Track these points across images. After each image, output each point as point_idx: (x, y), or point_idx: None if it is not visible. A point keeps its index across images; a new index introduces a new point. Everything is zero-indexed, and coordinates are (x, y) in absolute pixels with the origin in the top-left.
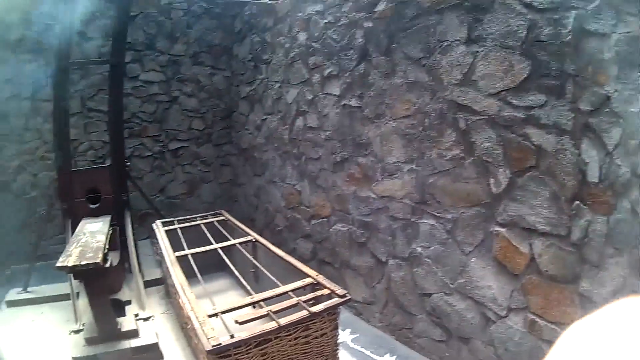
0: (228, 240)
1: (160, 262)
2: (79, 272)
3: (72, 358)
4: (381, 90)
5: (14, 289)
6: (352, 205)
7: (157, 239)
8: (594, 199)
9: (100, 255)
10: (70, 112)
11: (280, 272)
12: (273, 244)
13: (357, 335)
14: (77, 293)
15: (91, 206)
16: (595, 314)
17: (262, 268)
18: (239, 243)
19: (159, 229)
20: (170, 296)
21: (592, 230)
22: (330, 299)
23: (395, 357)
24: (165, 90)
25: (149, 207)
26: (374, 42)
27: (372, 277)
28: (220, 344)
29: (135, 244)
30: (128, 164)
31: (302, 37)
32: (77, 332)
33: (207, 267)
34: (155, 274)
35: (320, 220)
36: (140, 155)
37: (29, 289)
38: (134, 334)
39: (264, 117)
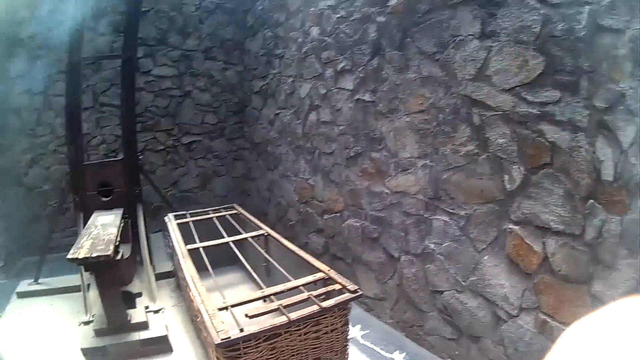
0: (240, 233)
1: (172, 255)
2: (90, 264)
3: (81, 349)
4: (394, 85)
5: (25, 281)
6: (365, 200)
7: (169, 232)
8: (608, 198)
9: (112, 247)
10: (83, 107)
11: (292, 266)
12: (285, 238)
13: (368, 331)
14: (88, 285)
15: (103, 199)
16: (595, 313)
17: (273, 262)
18: (251, 237)
19: (171, 222)
20: (181, 289)
21: (606, 230)
22: (341, 294)
23: (404, 354)
24: (178, 84)
25: (162, 201)
26: (387, 37)
27: (384, 273)
28: (229, 337)
29: (147, 237)
30: (140, 157)
31: (314, 31)
32: (86, 323)
33: (219, 260)
34: (166, 266)
35: (333, 215)
36: (153, 149)
37: (40, 280)
38: (143, 326)
39: (277, 111)
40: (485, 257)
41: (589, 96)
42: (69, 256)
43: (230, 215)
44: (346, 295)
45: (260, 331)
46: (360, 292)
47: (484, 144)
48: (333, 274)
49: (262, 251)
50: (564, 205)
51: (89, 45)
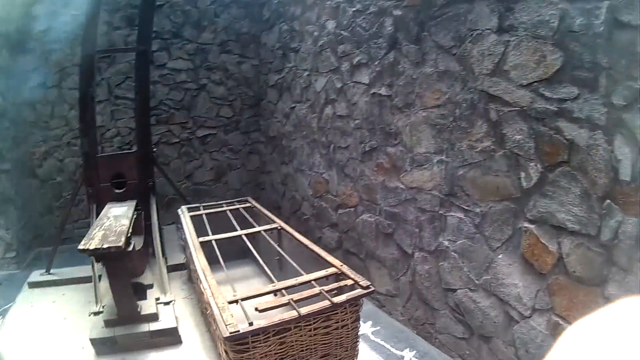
0: (253, 227)
1: (184, 247)
2: (101, 255)
3: (90, 339)
4: (411, 79)
5: (37, 271)
6: (379, 195)
7: (182, 224)
8: (625, 198)
9: (123, 239)
10: (98, 100)
11: (305, 260)
12: (299, 232)
13: (378, 327)
14: (99, 276)
15: (116, 191)
16: (596, 313)
17: (286, 256)
18: (264, 230)
19: (184, 214)
20: (192, 281)
21: (622, 232)
22: (353, 289)
23: (414, 352)
24: (193, 78)
25: (175, 193)
26: (404, 31)
27: (397, 270)
28: (238, 331)
29: (160, 229)
30: (154, 150)
31: (330, 25)
32: (96, 314)
33: (232, 253)
34: (179, 258)
35: (347, 209)
36: (168, 141)
37: (52, 271)
38: (153, 317)
39: (293, 105)
40: (500, 256)
41: (607, 93)
42: (80, 247)
43: (243, 208)
44: (358, 291)
45: (270, 325)
46: (373, 288)
47: (501, 140)
48: (345, 269)
49: (275, 245)
50: (581, 204)
51: (103, 39)
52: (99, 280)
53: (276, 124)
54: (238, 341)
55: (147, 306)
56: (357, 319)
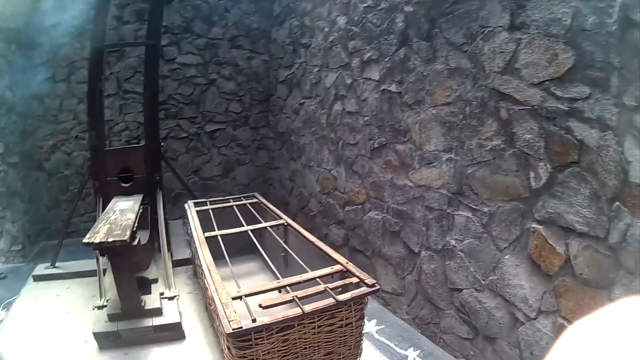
0: (260, 223)
1: (190, 242)
2: (105, 249)
3: (93, 333)
4: (421, 76)
5: (42, 264)
6: (387, 193)
7: (188, 219)
8: (635, 200)
9: (128, 233)
10: (106, 94)
11: (310, 257)
12: (306, 228)
13: (383, 326)
14: (104, 270)
15: (123, 185)
16: (596, 314)
17: (291, 252)
18: (270, 226)
19: (191, 209)
20: (197, 276)
21: (631, 235)
22: (358, 287)
23: (418, 352)
24: (203, 73)
25: (183, 188)
26: (415, 27)
27: (403, 268)
28: (241, 327)
29: (167, 224)
30: (162, 144)
31: (341, 21)
32: (100, 307)
33: (238, 249)
34: (184, 253)
35: (355, 207)
36: (176, 136)
37: (57, 264)
38: (157, 312)
39: (302, 101)
40: (507, 256)
41: (619, 94)
42: (85, 240)
43: (250, 204)
44: (363, 289)
45: (273, 322)
46: (378, 287)
47: (511, 139)
48: (351, 266)
49: (281, 241)
50: (590, 206)
51: (113, 33)
52: (104, 274)
53: (285, 119)
54: (241, 337)
55: (151, 301)
56: (362, 318)
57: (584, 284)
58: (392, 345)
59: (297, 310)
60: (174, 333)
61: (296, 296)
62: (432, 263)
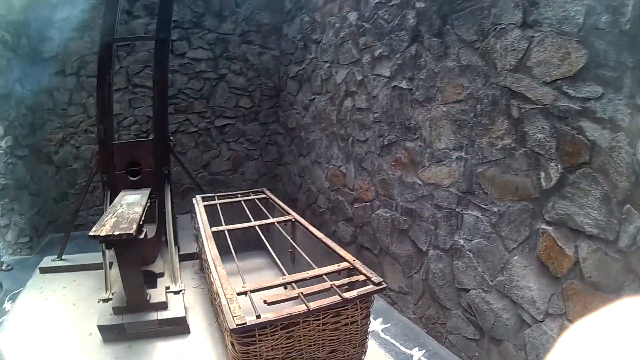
0: (267, 218)
1: (197, 237)
2: (111, 242)
3: (98, 326)
4: (433, 73)
5: (48, 257)
6: (396, 190)
7: (195, 214)
8: None
9: (135, 226)
10: (116, 88)
11: (317, 254)
12: (314, 225)
13: (389, 325)
14: (110, 263)
15: (131, 178)
16: (596, 314)
17: (298, 249)
18: (278, 222)
19: (198, 204)
20: (204, 271)
21: None
22: (365, 285)
23: (423, 351)
24: (213, 67)
25: (191, 182)
26: (426, 23)
27: (411, 267)
28: (245, 323)
29: (175, 218)
30: (171, 138)
31: (352, 17)
32: (105, 300)
33: (245, 244)
34: (191, 248)
35: (363, 204)
36: (186, 130)
37: (64, 257)
38: (162, 306)
39: (312, 97)
40: (515, 257)
41: (631, 94)
42: (91, 233)
43: (258, 199)
44: (369, 287)
45: (277, 319)
46: (385, 285)
47: (522, 138)
48: (358, 264)
49: (288, 237)
50: (600, 208)
51: (123, 28)
52: (110, 267)
53: (295, 115)
54: (245, 333)
55: (156, 294)
56: (368, 316)
57: (592, 288)
58: (397, 344)
59: (302, 307)
60: (178, 327)
61: (302, 293)
62: (440, 262)
